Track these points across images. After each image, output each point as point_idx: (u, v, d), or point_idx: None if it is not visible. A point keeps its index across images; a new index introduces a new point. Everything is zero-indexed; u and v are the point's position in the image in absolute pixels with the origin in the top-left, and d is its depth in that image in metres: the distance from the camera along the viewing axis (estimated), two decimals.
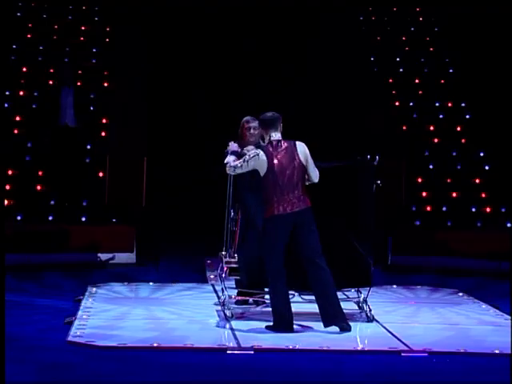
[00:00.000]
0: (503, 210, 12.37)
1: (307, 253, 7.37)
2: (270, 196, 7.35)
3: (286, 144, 7.46)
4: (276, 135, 7.48)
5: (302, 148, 7.48)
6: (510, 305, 7.92)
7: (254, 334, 7.42)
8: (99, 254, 11.51)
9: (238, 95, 14.48)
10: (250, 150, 7.61)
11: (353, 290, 8.18)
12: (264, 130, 7.55)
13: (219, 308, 8.23)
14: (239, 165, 7.49)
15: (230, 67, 15.10)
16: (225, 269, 8.06)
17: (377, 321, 7.97)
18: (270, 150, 7.43)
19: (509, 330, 7.73)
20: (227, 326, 7.64)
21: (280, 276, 7.36)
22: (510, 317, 8.26)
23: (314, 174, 7.53)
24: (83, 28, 15.06)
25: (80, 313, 8.10)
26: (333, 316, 7.37)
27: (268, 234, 7.38)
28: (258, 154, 7.41)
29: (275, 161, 7.38)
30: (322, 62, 14.92)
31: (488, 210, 12.41)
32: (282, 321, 7.38)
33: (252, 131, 8.13)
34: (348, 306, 7.95)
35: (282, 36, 15.34)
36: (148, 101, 13.65)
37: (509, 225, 12.04)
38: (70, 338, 7.12)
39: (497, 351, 6.94)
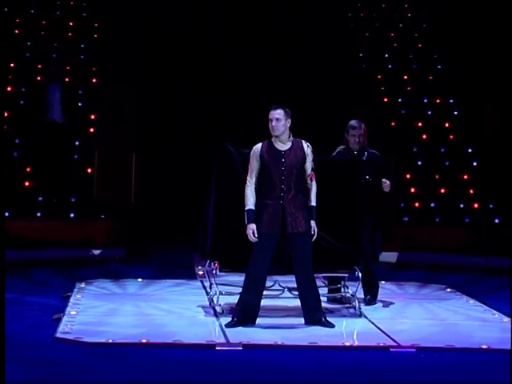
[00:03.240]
0: (491, 207, 12.41)
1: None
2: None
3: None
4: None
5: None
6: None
7: (243, 330, 7.43)
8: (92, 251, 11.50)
9: (229, 92, 14.47)
10: None
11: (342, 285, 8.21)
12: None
13: (208, 304, 8.23)
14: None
15: (221, 63, 15.07)
16: (216, 265, 8.06)
17: (365, 316, 7.99)
18: None
19: (496, 326, 7.77)
20: (216, 322, 7.65)
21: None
22: (496, 312, 8.29)
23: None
24: (71, 24, 15.01)
25: (68, 309, 8.09)
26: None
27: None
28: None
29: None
30: (311, 59, 14.93)
31: (476, 206, 12.45)
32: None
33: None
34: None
35: (271, 32, 15.33)
36: (136, 96, 13.63)
37: (497, 221, 12.09)
38: (58, 335, 7.10)
39: (484, 346, 6.97)
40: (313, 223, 7.41)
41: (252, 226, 7.33)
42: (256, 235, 7.33)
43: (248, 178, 7.42)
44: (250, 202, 7.36)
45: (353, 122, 8.58)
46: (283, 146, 7.47)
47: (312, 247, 7.46)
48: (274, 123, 7.42)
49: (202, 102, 14.65)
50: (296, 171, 7.40)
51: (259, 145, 7.49)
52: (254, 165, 7.43)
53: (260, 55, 15.07)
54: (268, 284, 7.85)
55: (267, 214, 7.37)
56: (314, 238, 7.43)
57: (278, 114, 7.43)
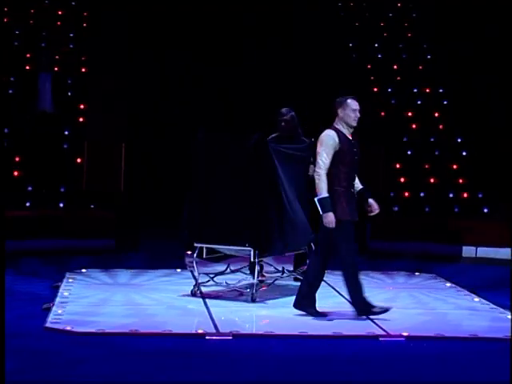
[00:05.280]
0: (480, 196, 12.44)
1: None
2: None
3: None
4: None
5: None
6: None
7: (233, 319, 7.45)
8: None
9: (220, 84, 14.42)
10: None
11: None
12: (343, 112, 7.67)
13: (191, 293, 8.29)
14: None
15: (211, 53, 15.02)
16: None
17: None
18: None
19: (485, 315, 7.82)
20: (206, 312, 7.67)
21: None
22: (485, 301, 8.33)
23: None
24: (60, 13, 14.94)
25: (58, 299, 8.08)
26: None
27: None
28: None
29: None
30: (301, 48, 14.90)
31: (465, 195, 12.48)
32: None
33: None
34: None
35: (259, 23, 15.28)
36: (126, 86, 13.58)
37: (486, 210, 12.12)
38: (47, 325, 7.10)
39: (473, 335, 7.00)
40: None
41: (331, 214, 7.35)
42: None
43: (322, 164, 7.41)
44: (325, 190, 7.41)
45: (283, 110, 8.82)
46: (350, 136, 7.61)
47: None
48: (358, 114, 7.63)
49: (192, 89, 14.60)
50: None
51: (333, 132, 7.52)
52: (330, 152, 7.44)
53: (249, 48, 15.03)
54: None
55: (348, 202, 7.47)
56: None
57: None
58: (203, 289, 8.47)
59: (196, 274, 8.37)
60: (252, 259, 8.10)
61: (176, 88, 14.66)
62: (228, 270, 8.80)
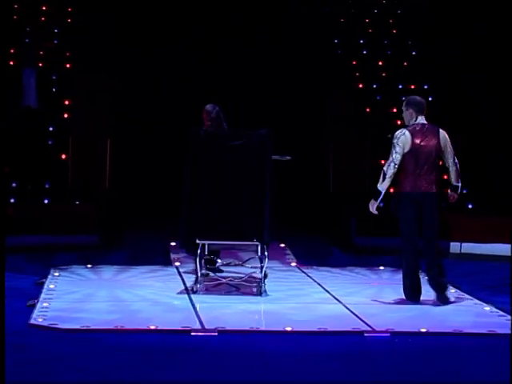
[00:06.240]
0: (465, 192, 12.48)
1: (427, 232, 8.05)
2: (408, 174, 7.95)
3: (429, 128, 8.03)
4: (422, 119, 8.05)
5: (443, 134, 8.10)
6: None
7: (218, 315, 7.44)
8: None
9: (205, 81, 14.39)
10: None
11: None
12: (412, 113, 8.04)
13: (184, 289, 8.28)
14: (394, 155, 7.91)
15: (202, 51, 14.98)
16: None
17: (340, 301, 8.03)
18: (416, 129, 7.97)
19: (470, 310, 7.86)
20: (191, 308, 7.66)
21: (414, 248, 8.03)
22: (470, 297, 8.36)
23: (451, 161, 8.18)
24: (44, 8, 14.87)
25: (43, 296, 8.06)
26: (443, 286, 8.00)
27: (401, 209, 8.04)
28: (404, 133, 7.95)
29: (418, 141, 7.94)
30: (285, 45, 14.89)
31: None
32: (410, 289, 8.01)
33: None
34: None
35: (246, 20, 15.25)
36: (110, 82, 13.53)
37: (470, 206, 12.16)
38: (32, 321, 7.08)
39: (458, 331, 7.03)
40: None
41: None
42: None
43: (396, 161, 7.89)
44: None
45: (208, 107, 9.10)
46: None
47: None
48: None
49: (183, 88, 14.56)
50: None
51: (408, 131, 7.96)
52: (403, 149, 7.91)
53: (230, 46, 15.00)
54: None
55: None
56: None
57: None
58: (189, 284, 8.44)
59: (199, 270, 8.28)
60: (260, 253, 8.23)
61: (166, 86, 14.62)
62: (233, 263, 8.86)
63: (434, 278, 8.01)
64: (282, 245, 11.05)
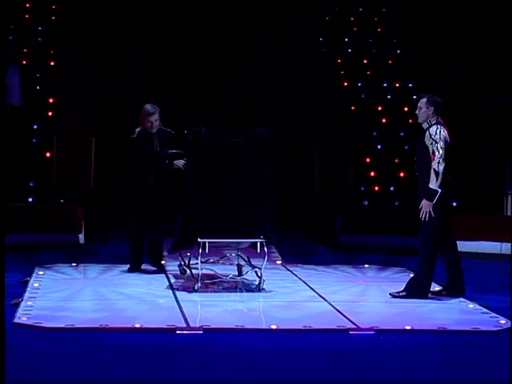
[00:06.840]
0: None
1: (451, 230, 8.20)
2: (446, 170, 7.97)
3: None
4: (439, 118, 8.16)
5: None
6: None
7: (203, 313, 7.44)
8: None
9: (205, 81, 14.36)
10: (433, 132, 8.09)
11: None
12: (434, 111, 8.08)
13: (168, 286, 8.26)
14: (441, 151, 7.97)
15: (196, 49, 14.95)
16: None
17: (325, 299, 8.04)
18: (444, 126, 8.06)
19: (455, 307, 7.89)
20: (176, 306, 7.66)
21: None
22: (461, 298, 8.39)
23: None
24: (28, 5, 14.80)
25: (27, 294, 8.02)
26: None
27: (444, 206, 8.06)
28: (442, 129, 8.04)
29: (448, 137, 8.08)
30: (270, 43, 14.89)
31: None
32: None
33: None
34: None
35: (246, 20, 15.23)
36: (95, 80, 13.48)
37: (454, 204, 12.19)
38: (16, 320, 7.05)
39: (442, 328, 7.05)
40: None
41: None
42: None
43: (443, 156, 7.96)
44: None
45: (150, 108, 9.15)
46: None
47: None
48: (416, 111, 8.17)
49: (183, 88, 14.52)
50: None
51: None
52: (445, 144, 8.00)
53: (218, 42, 14.97)
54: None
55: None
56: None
57: (419, 102, 8.13)
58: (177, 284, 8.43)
59: (199, 269, 8.26)
60: (266, 250, 8.26)
61: (166, 86, 14.58)
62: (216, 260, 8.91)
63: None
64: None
